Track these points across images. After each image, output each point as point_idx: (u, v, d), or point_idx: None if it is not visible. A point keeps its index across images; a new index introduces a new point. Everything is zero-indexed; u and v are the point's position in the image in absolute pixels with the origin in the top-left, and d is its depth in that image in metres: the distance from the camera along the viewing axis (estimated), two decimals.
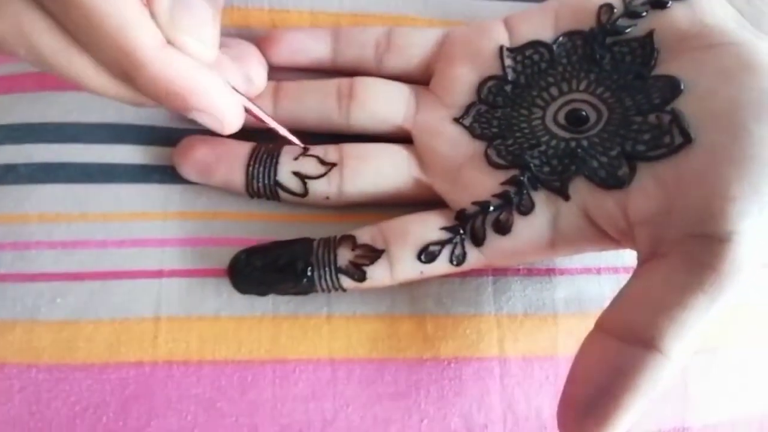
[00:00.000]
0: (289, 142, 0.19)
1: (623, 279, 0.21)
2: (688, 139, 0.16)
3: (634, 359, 0.14)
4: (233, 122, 0.16)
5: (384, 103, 0.20)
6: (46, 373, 0.18)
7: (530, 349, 0.20)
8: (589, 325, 0.20)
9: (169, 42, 0.14)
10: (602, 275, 0.21)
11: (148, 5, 0.14)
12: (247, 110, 0.17)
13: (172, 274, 0.19)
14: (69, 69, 0.14)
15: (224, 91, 0.15)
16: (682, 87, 0.17)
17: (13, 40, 0.14)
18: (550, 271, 0.20)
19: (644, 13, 0.18)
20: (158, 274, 0.19)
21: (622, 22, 0.19)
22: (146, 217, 0.19)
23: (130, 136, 0.20)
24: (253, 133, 0.20)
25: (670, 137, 0.16)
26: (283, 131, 0.18)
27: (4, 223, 0.19)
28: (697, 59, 0.17)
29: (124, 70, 0.14)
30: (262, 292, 0.19)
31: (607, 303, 0.20)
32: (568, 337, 0.20)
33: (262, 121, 0.18)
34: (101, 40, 0.13)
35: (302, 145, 0.19)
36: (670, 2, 0.18)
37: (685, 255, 0.15)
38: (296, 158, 0.19)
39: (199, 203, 0.20)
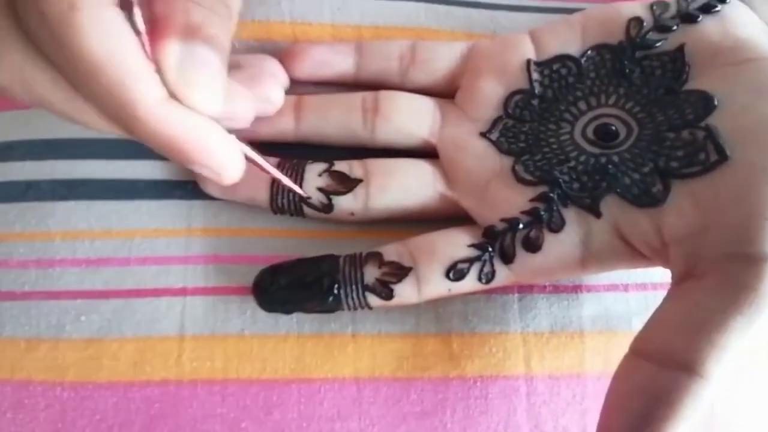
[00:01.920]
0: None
1: (651, 296, 0.20)
2: (723, 157, 0.16)
3: (675, 384, 0.14)
4: (232, 175, 0.15)
5: (409, 116, 0.20)
6: (71, 391, 0.18)
7: (557, 367, 0.19)
8: (616, 343, 0.20)
9: (175, 97, 0.14)
10: (630, 292, 0.20)
11: (156, 59, 0.13)
12: (248, 158, 0.16)
13: (196, 292, 0.19)
14: (73, 115, 0.14)
15: (224, 145, 0.15)
16: (715, 102, 0.17)
17: (17, 88, 0.14)
18: (576, 288, 0.20)
19: (674, 27, 0.18)
20: (182, 291, 0.19)
21: (651, 35, 0.18)
22: (169, 234, 0.19)
23: (152, 151, 0.20)
24: (277, 147, 0.20)
25: (705, 154, 0.16)
26: (286, 180, 0.18)
27: (27, 241, 0.19)
28: (729, 74, 0.17)
29: (123, 123, 0.13)
30: (287, 311, 0.19)
31: (634, 320, 0.20)
32: (595, 356, 0.20)
33: (264, 170, 0.17)
34: (102, 93, 0.13)
35: (304, 194, 0.19)
36: (701, 16, 0.18)
37: (722, 275, 0.15)
38: (321, 174, 0.19)
39: (223, 219, 0.20)
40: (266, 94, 0.19)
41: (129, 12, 0.13)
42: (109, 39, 0.12)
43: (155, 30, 0.13)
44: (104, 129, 0.15)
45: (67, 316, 0.18)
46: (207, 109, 0.14)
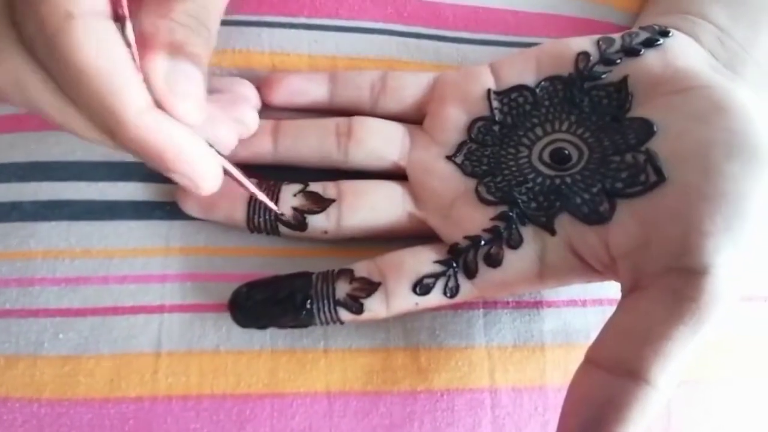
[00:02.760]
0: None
1: (608, 311, 0.21)
2: (661, 178, 0.17)
3: (623, 391, 0.15)
4: (210, 186, 0.16)
5: (381, 141, 0.21)
6: (48, 408, 0.18)
7: (519, 379, 0.20)
8: (575, 356, 0.21)
9: (161, 107, 0.14)
10: (588, 307, 0.22)
11: (144, 68, 0.14)
12: (226, 172, 0.17)
13: (173, 309, 0.20)
14: (62, 120, 0.15)
15: (204, 156, 0.15)
16: (655, 128, 0.18)
17: (11, 90, 0.15)
18: (537, 304, 0.21)
19: (618, 60, 0.20)
20: (159, 309, 0.19)
21: (598, 68, 0.20)
22: (148, 253, 0.20)
23: (133, 173, 0.21)
24: (254, 169, 0.21)
25: (645, 175, 0.17)
26: (262, 196, 0.19)
27: (8, 260, 0.20)
28: (669, 102, 0.19)
29: (110, 129, 0.14)
30: (262, 326, 0.19)
31: (593, 334, 0.21)
32: (555, 369, 0.21)
33: (241, 184, 0.18)
34: (91, 99, 0.14)
35: (278, 210, 0.20)
36: (643, 49, 0.20)
37: (665, 288, 0.16)
38: (296, 194, 0.20)
39: (201, 238, 0.20)
40: (241, 118, 0.20)
41: (122, 25, 0.14)
42: (101, 48, 0.13)
43: (143, 44, 0.14)
44: (91, 137, 0.16)
45: (46, 334, 0.19)
46: (191, 119, 0.15)
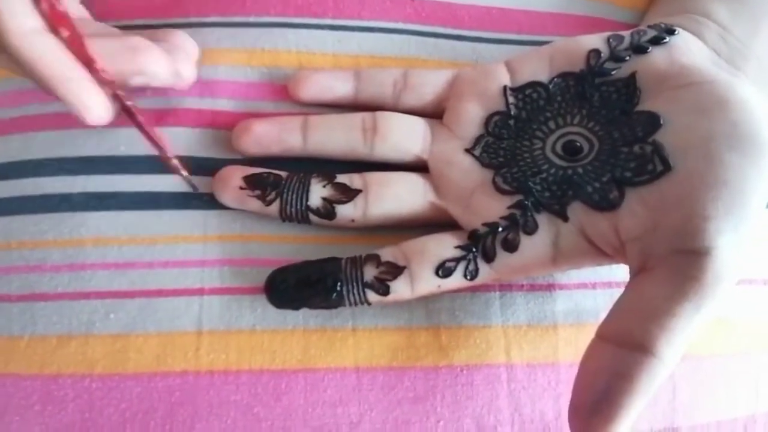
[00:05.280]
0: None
1: (616, 292, 0.22)
2: (667, 167, 0.18)
3: (632, 363, 0.16)
4: (94, 118, 0.18)
5: (404, 135, 0.22)
6: (99, 382, 0.20)
7: (534, 356, 0.22)
8: (586, 335, 0.22)
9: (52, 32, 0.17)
10: (597, 290, 0.23)
11: None
12: (125, 107, 0.19)
13: (212, 292, 0.21)
14: None
15: (87, 86, 0.18)
16: (661, 121, 0.19)
17: None
18: (550, 287, 0.23)
19: (627, 58, 0.21)
20: (199, 291, 0.21)
21: (608, 65, 0.21)
22: (188, 240, 0.21)
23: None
24: (284, 162, 0.22)
25: (653, 165, 0.19)
26: (157, 140, 0.20)
27: (60, 247, 0.21)
28: (674, 96, 0.20)
29: (5, 49, 0.17)
30: (295, 307, 0.21)
31: (602, 314, 0.22)
32: (567, 346, 0.22)
33: (140, 125, 0.19)
34: None
35: (182, 169, 0.21)
36: (651, 47, 0.21)
37: (670, 268, 0.17)
38: (325, 186, 0.21)
39: (236, 227, 0.22)
40: (178, 69, 0.21)
41: None
42: None
43: None
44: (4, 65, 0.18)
45: (97, 314, 0.20)
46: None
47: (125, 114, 0.19)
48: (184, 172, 0.21)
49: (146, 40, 0.19)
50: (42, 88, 0.18)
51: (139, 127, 0.20)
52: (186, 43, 0.22)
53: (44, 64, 0.17)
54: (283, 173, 0.22)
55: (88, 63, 0.18)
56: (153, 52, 0.19)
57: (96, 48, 0.18)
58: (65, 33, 0.17)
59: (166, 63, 0.20)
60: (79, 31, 0.18)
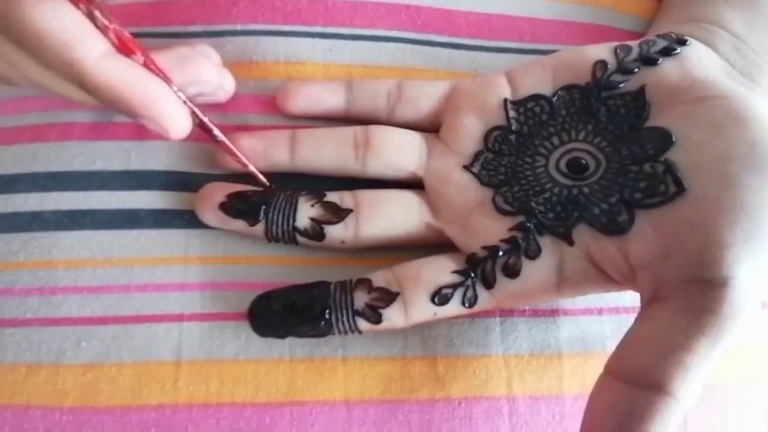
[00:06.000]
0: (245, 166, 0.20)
1: (624, 319, 0.22)
2: (681, 189, 0.17)
3: (644, 403, 0.15)
4: (178, 131, 0.18)
5: (398, 151, 0.21)
6: (70, 416, 0.19)
7: (537, 388, 0.20)
8: (592, 364, 0.21)
9: (123, 52, 0.16)
10: (603, 315, 0.22)
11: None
12: (201, 125, 0.19)
13: (193, 318, 0.20)
14: (53, 86, 0.17)
15: (167, 99, 0.17)
16: (673, 138, 0.18)
17: (9, 71, 0.17)
18: (554, 312, 0.21)
19: (636, 69, 0.20)
20: (179, 318, 0.20)
21: (615, 77, 0.20)
22: (167, 262, 0.20)
23: (152, 182, 0.21)
24: (271, 179, 0.21)
25: (665, 186, 0.17)
26: (242, 158, 0.20)
27: (31, 269, 0.20)
28: (687, 112, 0.19)
29: (77, 80, 0.16)
30: (281, 335, 0.19)
31: (609, 342, 0.21)
32: (572, 377, 0.21)
33: (215, 138, 0.19)
34: (52, 58, 0.16)
35: (264, 180, 0.20)
36: (661, 58, 0.20)
37: (685, 299, 0.16)
38: (313, 205, 0.20)
39: (219, 248, 0.21)
40: (203, 76, 0.20)
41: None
42: (46, 10, 0.15)
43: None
44: (80, 96, 0.17)
45: (68, 342, 0.19)
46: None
47: (202, 130, 0.19)
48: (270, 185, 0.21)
49: (191, 48, 0.20)
50: (122, 112, 0.17)
51: (217, 141, 0.19)
52: (210, 53, 0.21)
53: (129, 87, 0.16)
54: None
55: (165, 81, 0.18)
56: (202, 59, 0.20)
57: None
58: (140, 59, 0.17)
59: (216, 70, 0.20)
60: (151, 56, 0.18)
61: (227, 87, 0.21)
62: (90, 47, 0.16)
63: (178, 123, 0.17)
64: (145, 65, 0.17)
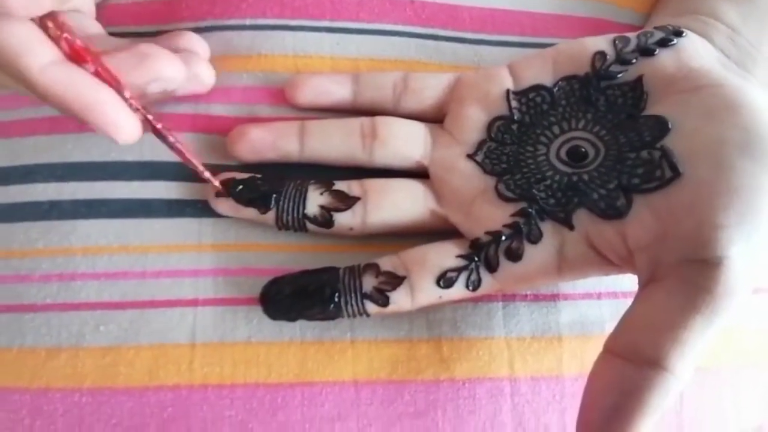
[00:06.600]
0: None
1: (622, 303, 0.22)
2: (677, 173, 0.18)
3: (642, 378, 0.16)
4: (125, 137, 0.18)
5: (404, 141, 0.22)
6: (89, 397, 0.19)
7: (537, 369, 0.21)
8: (591, 346, 0.22)
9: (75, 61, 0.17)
10: (602, 300, 0.22)
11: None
12: (155, 131, 0.19)
13: (206, 303, 0.20)
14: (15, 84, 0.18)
15: (113, 106, 0.18)
16: (669, 126, 0.19)
17: None
18: (554, 297, 0.22)
19: (634, 60, 0.20)
20: (193, 302, 0.20)
21: (614, 68, 0.21)
22: (181, 249, 0.21)
23: (165, 172, 0.22)
24: (282, 168, 0.22)
25: (661, 171, 0.18)
26: (193, 160, 0.20)
27: (50, 256, 0.20)
28: (683, 100, 0.19)
29: (26, 85, 0.17)
30: (291, 318, 0.20)
31: (607, 325, 0.22)
32: (572, 358, 0.21)
33: (170, 145, 0.19)
34: (4, 66, 0.17)
35: (216, 183, 0.20)
36: (658, 49, 0.20)
37: (681, 279, 0.17)
38: (322, 193, 0.21)
39: (231, 235, 0.21)
40: (195, 72, 0.21)
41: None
42: (4, 23, 0.16)
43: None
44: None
45: (87, 326, 0.20)
46: None
47: (157, 137, 0.19)
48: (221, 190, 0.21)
49: (155, 45, 0.19)
50: (73, 117, 0.18)
51: (173, 147, 0.19)
52: (195, 44, 0.21)
53: (71, 94, 0.17)
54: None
55: (117, 90, 0.18)
56: (164, 56, 0.19)
57: (108, 64, 0.18)
58: (91, 68, 0.18)
59: (180, 65, 0.19)
60: (104, 63, 0.18)
61: (205, 80, 0.21)
62: (38, 55, 0.16)
63: (124, 129, 0.18)
64: (96, 72, 0.18)
